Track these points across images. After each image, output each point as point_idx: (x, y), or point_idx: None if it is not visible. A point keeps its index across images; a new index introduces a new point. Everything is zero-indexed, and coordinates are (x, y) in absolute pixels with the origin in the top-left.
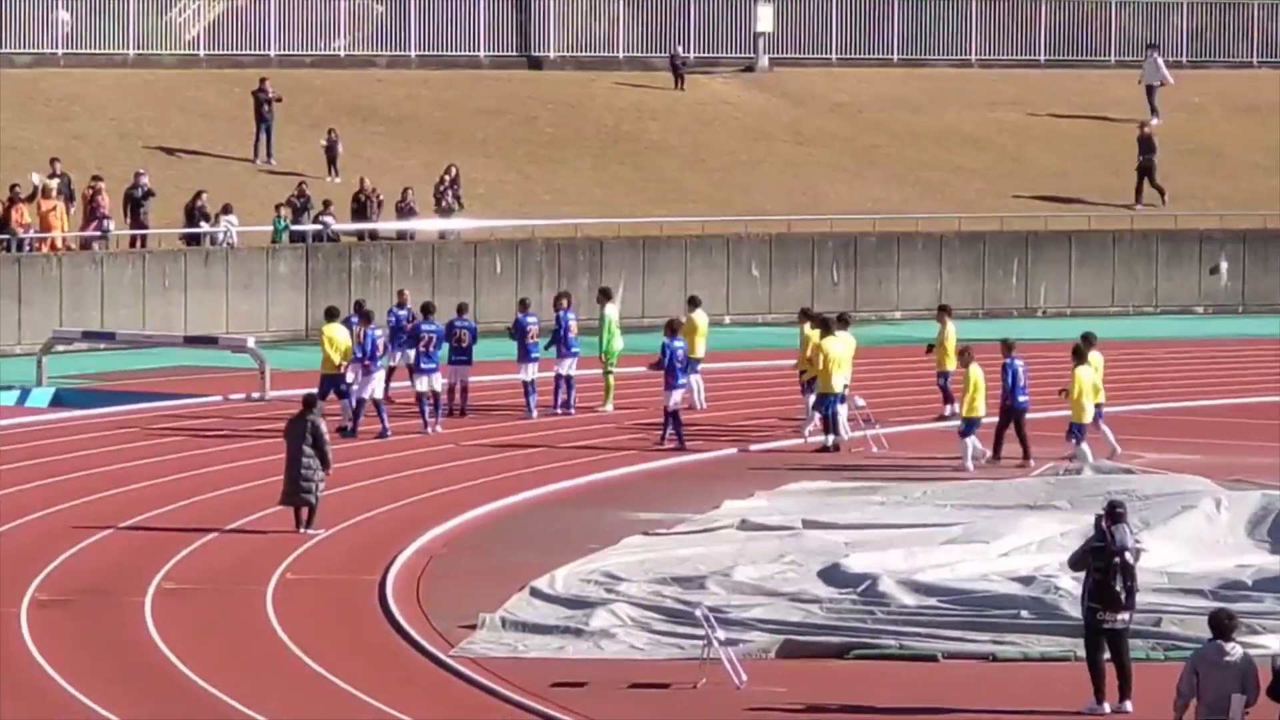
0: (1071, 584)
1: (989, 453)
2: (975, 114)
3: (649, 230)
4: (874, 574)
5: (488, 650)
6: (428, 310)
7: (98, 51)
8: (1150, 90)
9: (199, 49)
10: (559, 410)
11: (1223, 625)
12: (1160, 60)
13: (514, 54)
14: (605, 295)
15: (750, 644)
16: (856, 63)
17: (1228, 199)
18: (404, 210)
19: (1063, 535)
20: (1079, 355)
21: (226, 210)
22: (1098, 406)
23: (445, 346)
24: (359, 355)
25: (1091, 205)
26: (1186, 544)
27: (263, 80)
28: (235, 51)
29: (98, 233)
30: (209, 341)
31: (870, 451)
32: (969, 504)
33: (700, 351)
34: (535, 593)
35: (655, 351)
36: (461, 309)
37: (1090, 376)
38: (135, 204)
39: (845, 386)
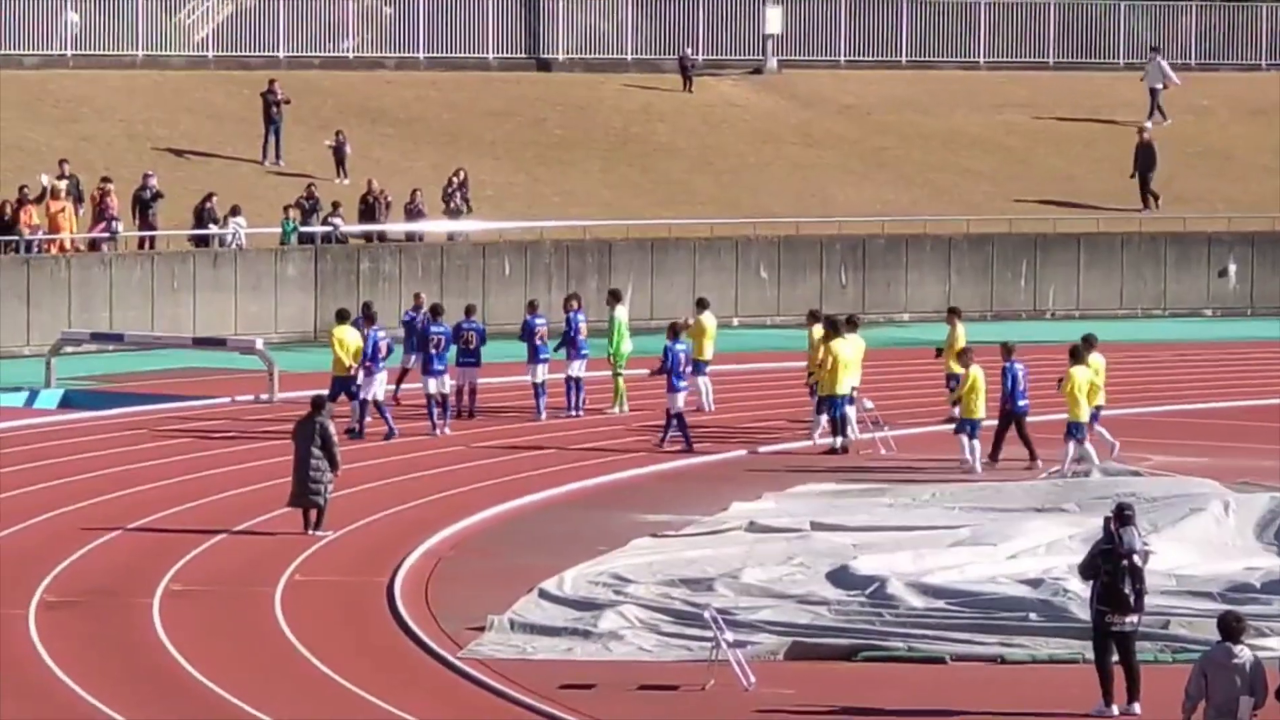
0: (1080, 586)
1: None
2: (983, 116)
3: (657, 232)
4: (882, 576)
5: (496, 652)
6: (436, 312)
7: (106, 53)
8: (1153, 93)
9: (207, 50)
10: (573, 412)
11: (1231, 628)
12: (1164, 63)
13: (522, 56)
14: (615, 297)
15: (758, 646)
16: (865, 65)
17: (1236, 201)
18: (412, 212)
19: (1071, 538)
20: (1076, 356)
21: (235, 212)
22: (1097, 409)
23: (454, 349)
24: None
25: (1100, 209)
26: (1195, 546)
27: (271, 82)
28: (244, 53)
29: (106, 234)
30: (217, 343)
31: (878, 454)
32: (977, 506)
33: (709, 354)
34: (544, 594)
35: (662, 354)
36: (469, 311)
37: (1086, 376)
38: (144, 205)
39: (854, 389)
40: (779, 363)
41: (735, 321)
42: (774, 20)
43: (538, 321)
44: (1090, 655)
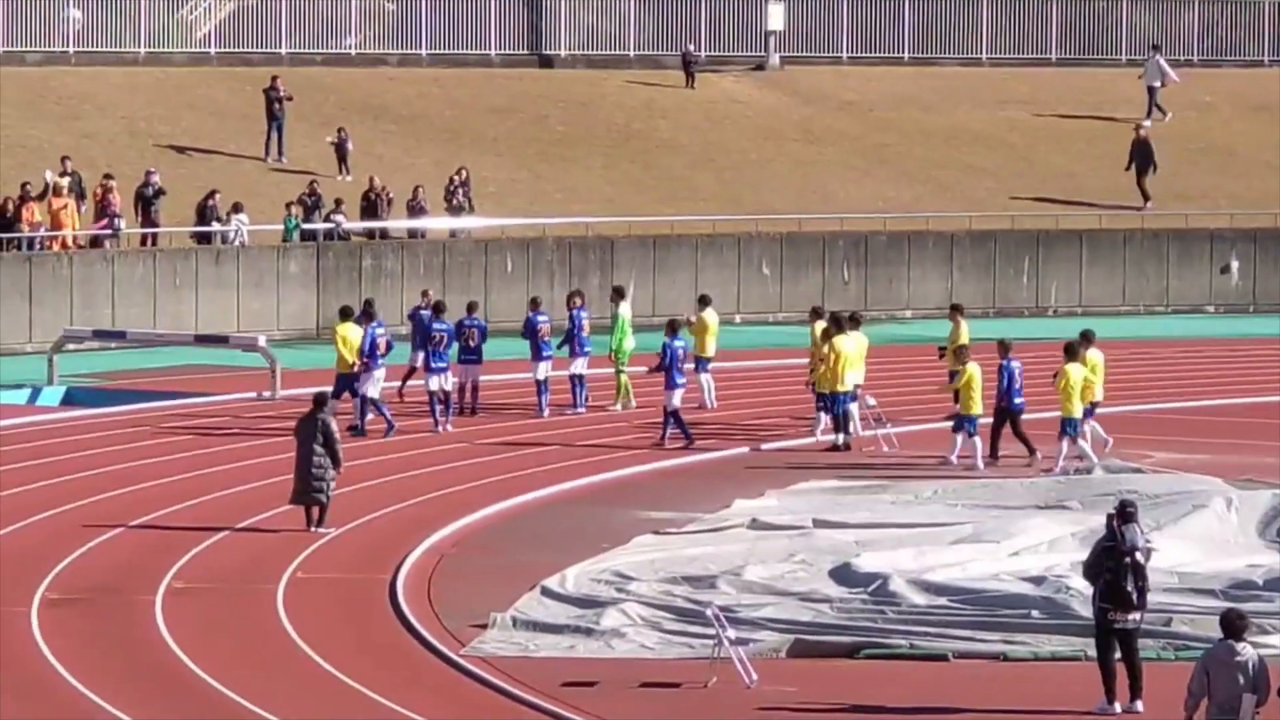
0: (1082, 584)
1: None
2: (986, 113)
3: (660, 229)
4: (884, 573)
5: (498, 649)
6: (439, 309)
7: (108, 50)
8: (1151, 91)
9: (210, 47)
10: (581, 409)
11: (1234, 625)
12: (1162, 61)
13: (525, 52)
14: (619, 294)
15: (761, 643)
16: (867, 61)
17: (1239, 198)
18: (415, 209)
19: (1073, 535)
20: (1071, 352)
21: (237, 209)
22: (1093, 405)
23: (455, 345)
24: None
25: (1102, 206)
26: (1197, 544)
27: (274, 78)
28: (246, 50)
29: (108, 231)
30: (220, 340)
31: (881, 451)
32: (979, 503)
33: (711, 351)
34: (546, 592)
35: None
36: (471, 308)
37: (1081, 373)
38: (146, 202)
39: (857, 386)
40: (781, 360)
41: (737, 318)
42: (776, 16)
43: (540, 318)
44: (1092, 652)
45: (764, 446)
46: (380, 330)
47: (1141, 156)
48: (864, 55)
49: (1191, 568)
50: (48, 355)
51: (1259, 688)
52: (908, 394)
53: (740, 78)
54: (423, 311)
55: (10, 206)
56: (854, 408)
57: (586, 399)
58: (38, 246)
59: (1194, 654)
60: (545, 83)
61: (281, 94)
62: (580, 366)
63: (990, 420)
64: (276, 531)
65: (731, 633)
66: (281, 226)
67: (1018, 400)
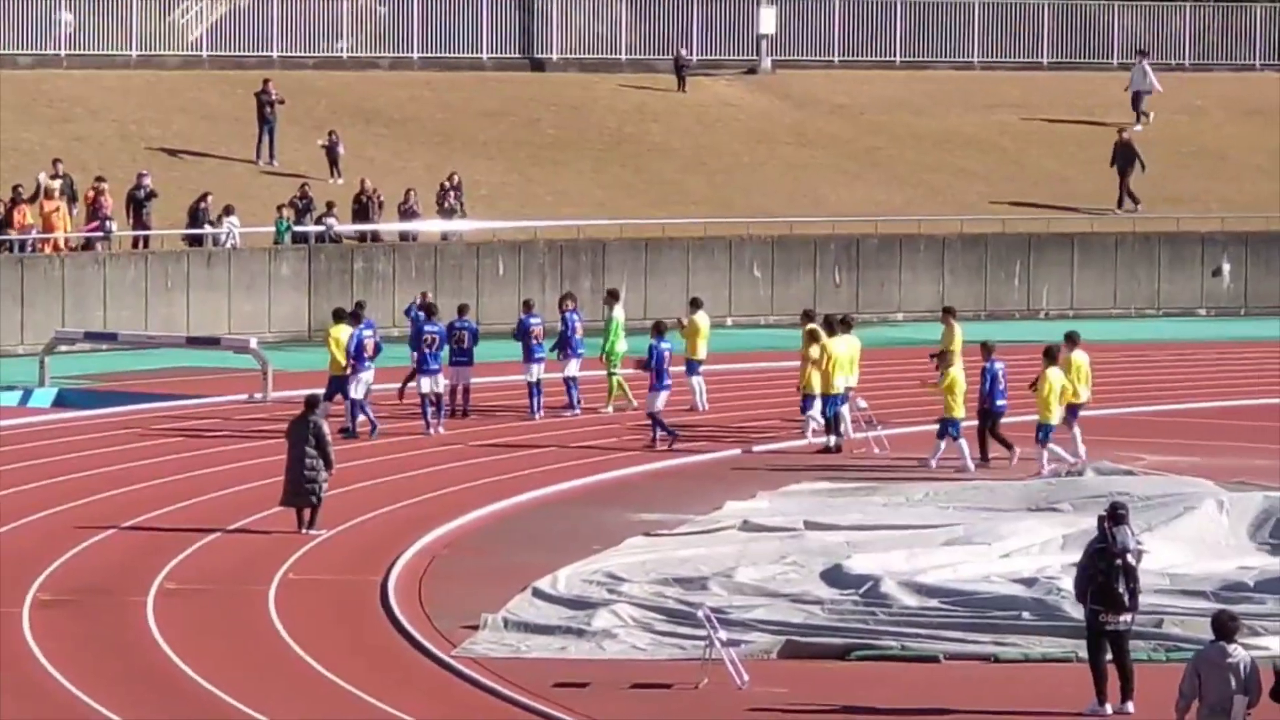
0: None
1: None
2: (976, 116)
3: (651, 232)
4: (876, 575)
5: (490, 650)
6: (430, 311)
7: (100, 53)
8: (1136, 96)
9: (202, 50)
10: (576, 411)
11: (1225, 627)
12: (1148, 67)
13: (516, 56)
14: (613, 297)
15: (752, 645)
16: (858, 65)
17: (1230, 201)
18: (406, 212)
19: (1065, 537)
20: (1050, 356)
21: (229, 211)
22: (1075, 407)
23: (447, 348)
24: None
25: (1093, 210)
26: (1188, 545)
27: (265, 82)
28: (238, 53)
29: (100, 234)
30: (211, 342)
31: (872, 453)
32: (970, 505)
33: (702, 353)
34: (537, 593)
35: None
36: (462, 310)
37: (1060, 379)
38: (138, 205)
39: (848, 388)
40: (772, 362)
41: (729, 321)
42: (767, 20)
43: (533, 321)
44: (1084, 654)
45: (755, 449)
46: (369, 332)
47: (1124, 159)
48: (855, 59)
49: (1183, 569)
50: (39, 357)
51: (1250, 689)
52: (899, 397)
53: (732, 81)
54: (416, 312)
55: (2, 209)
56: (845, 410)
57: (580, 401)
58: (30, 249)
59: (1185, 655)
60: (537, 86)
61: (273, 97)
62: (573, 369)
63: (976, 423)
64: (268, 533)
65: (723, 634)
66: (273, 229)
67: (1000, 403)
